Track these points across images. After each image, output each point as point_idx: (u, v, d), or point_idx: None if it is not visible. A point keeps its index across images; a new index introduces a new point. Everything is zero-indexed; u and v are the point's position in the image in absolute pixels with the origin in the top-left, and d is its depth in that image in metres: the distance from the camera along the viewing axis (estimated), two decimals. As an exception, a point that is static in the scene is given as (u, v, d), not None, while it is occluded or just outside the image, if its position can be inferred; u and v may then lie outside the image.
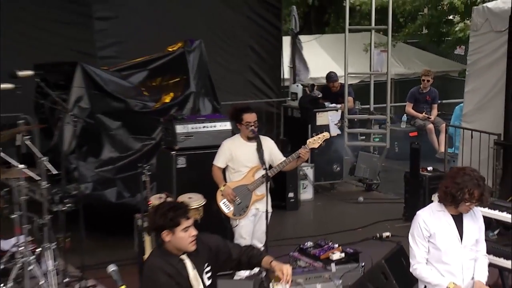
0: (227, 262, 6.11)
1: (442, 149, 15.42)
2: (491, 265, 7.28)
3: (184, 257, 5.87)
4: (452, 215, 6.54)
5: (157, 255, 5.95)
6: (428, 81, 16.70)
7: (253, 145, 9.49)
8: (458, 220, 6.56)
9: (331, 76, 16.19)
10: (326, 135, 9.77)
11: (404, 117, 17.05)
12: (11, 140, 9.03)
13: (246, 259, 6.14)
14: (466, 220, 6.58)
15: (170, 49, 12.45)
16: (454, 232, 6.58)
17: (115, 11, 14.33)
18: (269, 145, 9.68)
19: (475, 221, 6.66)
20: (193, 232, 5.86)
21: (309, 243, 10.25)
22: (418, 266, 6.59)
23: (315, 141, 9.56)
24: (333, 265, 9.63)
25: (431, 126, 16.23)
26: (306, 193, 14.08)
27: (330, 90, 16.10)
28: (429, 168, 13.16)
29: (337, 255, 9.81)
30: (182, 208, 6.01)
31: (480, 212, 6.80)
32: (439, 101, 16.86)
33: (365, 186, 14.70)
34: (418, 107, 16.69)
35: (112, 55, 14.00)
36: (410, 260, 6.72)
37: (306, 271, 9.62)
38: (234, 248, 6.24)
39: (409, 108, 16.87)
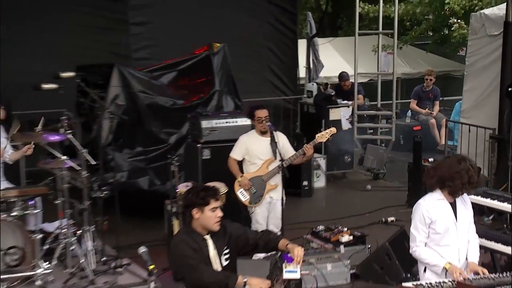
0: (245, 247, 6.13)
1: (443, 142, 15.42)
2: (483, 247, 7.31)
3: (207, 237, 5.90)
4: (449, 202, 6.53)
5: (184, 232, 6.00)
6: (431, 80, 16.61)
7: (267, 139, 9.46)
8: (453, 207, 6.54)
9: (343, 76, 16.16)
10: (333, 130, 9.73)
11: (409, 113, 16.97)
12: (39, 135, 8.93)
13: (263, 243, 6.15)
14: (459, 206, 6.57)
15: (197, 52, 12.40)
16: (452, 218, 6.55)
17: (149, 17, 14.36)
18: (281, 140, 9.64)
19: (466, 206, 6.66)
20: (219, 213, 5.89)
21: (321, 227, 10.32)
22: (417, 249, 6.56)
23: (323, 136, 9.54)
24: (342, 247, 9.70)
25: (433, 121, 16.14)
26: (319, 182, 13.99)
27: (342, 88, 16.06)
28: (430, 160, 13.08)
29: (346, 238, 9.88)
30: (212, 190, 6.05)
31: (468, 198, 6.78)
32: (440, 98, 16.76)
33: (373, 175, 14.64)
34: (422, 104, 16.60)
35: (146, 57, 14.02)
36: (410, 243, 6.69)
37: (318, 252, 9.70)
38: (252, 234, 6.26)
39: (413, 104, 16.79)
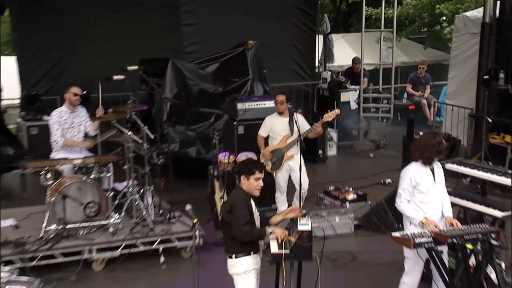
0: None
1: (432, 118, 15.50)
2: (457, 205, 7.30)
3: (251, 198, 6.00)
4: (430, 168, 6.63)
5: (238, 191, 6.01)
6: (423, 68, 16.59)
7: (286, 119, 9.45)
8: (432, 172, 6.65)
9: (355, 60, 16.04)
10: (337, 111, 9.80)
11: (405, 95, 16.89)
12: (123, 113, 9.11)
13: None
14: (436, 172, 6.67)
15: (235, 48, 12.52)
16: (431, 181, 6.65)
17: (198, 19, 14.52)
18: (299, 119, 9.54)
19: (440, 171, 6.74)
20: (261, 183, 5.96)
21: (332, 187, 10.56)
22: (401, 204, 6.67)
23: (329, 116, 9.61)
24: (347, 203, 9.96)
25: (424, 101, 16.09)
26: (332, 151, 14.08)
27: (353, 70, 16.02)
28: (420, 133, 13.08)
29: (351, 196, 10.12)
30: (259, 164, 6.19)
31: (440, 164, 6.83)
32: (431, 83, 16.67)
33: (375, 145, 14.69)
34: (416, 87, 16.56)
35: (194, 51, 14.11)
36: (396, 199, 6.79)
37: (328, 207, 9.93)
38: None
39: (408, 88, 16.75)
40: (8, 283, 5.53)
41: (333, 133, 14.17)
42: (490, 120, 11.23)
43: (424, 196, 6.63)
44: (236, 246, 5.91)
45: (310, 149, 12.72)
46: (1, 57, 20.26)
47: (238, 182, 6.09)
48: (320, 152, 13.47)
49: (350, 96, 14.71)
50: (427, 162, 6.61)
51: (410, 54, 21.58)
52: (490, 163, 11.02)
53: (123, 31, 13.85)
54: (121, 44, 13.65)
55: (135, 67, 9.84)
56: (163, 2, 14.38)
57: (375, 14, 17.86)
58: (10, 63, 15.13)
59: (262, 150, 9.66)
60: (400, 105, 16.53)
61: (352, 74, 16.21)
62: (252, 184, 5.94)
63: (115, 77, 9.63)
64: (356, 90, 15.15)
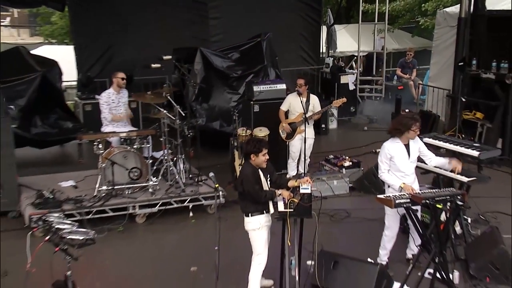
0: (272, 180, 6.18)
1: (417, 97, 15.30)
2: (431, 171, 7.41)
3: (259, 170, 6.01)
4: (404, 144, 6.66)
5: (248, 166, 6.02)
6: (411, 54, 16.44)
7: (304, 99, 9.34)
8: (407, 146, 6.66)
9: None
10: (344, 100, 9.76)
11: (395, 77, 16.82)
12: (160, 95, 9.11)
13: (280, 182, 6.22)
14: (412, 147, 6.69)
15: (252, 39, 12.43)
16: (405, 155, 6.65)
17: (222, 14, 14.52)
18: (314, 100, 9.57)
19: (416, 145, 6.74)
20: (267, 157, 5.97)
21: (331, 156, 10.58)
22: (383, 174, 6.73)
23: (337, 102, 9.61)
24: (344, 169, 10.00)
25: (411, 83, 15.99)
26: (333, 124, 14.13)
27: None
28: (406, 110, 13.25)
29: (347, 163, 10.18)
30: (264, 142, 6.14)
31: (418, 138, 6.83)
32: (417, 67, 16.53)
33: (369, 120, 14.65)
34: (404, 71, 16.44)
35: (219, 40, 14.08)
36: (378, 171, 6.84)
37: (328, 172, 10.00)
38: (275, 176, 6.25)
39: (398, 71, 16.65)
40: (70, 233, 5.68)
41: (334, 110, 14.09)
42: (463, 100, 11.35)
43: (398, 168, 6.65)
44: (251, 207, 5.98)
45: (315, 123, 12.61)
46: (61, 46, 20.56)
47: (248, 160, 6.08)
48: (323, 126, 13.45)
49: (348, 78, 14.70)
50: (399, 137, 6.62)
51: (401, 41, 21.32)
52: (463, 135, 11.29)
53: (160, 23, 13.85)
54: (158, 34, 13.63)
55: (169, 57, 9.73)
56: None
57: (371, 9, 17.70)
58: (68, 51, 15.37)
59: (282, 121, 9.61)
60: (391, 85, 16.48)
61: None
62: (261, 159, 5.96)
63: (153, 65, 9.65)
64: (353, 74, 15.10)
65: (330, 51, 16.34)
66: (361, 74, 16.49)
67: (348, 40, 19.17)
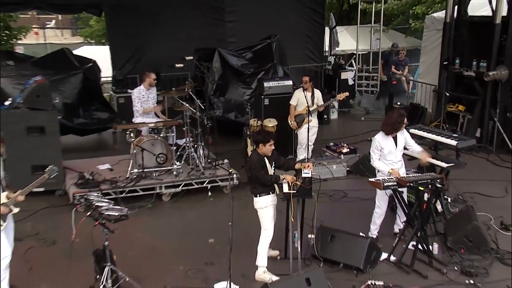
0: (279, 166, 6.23)
1: (408, 90, 15.20)
2: (416, 158, 7.34)
3: (265, 158, 6.06)
4: (392, 137, 6.68)
5: (255, 154, 6.07)
6: (403, 53, 15.94)
7: (309, 94, 9.25)
8: (395, 138, 6.69)
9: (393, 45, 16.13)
10: (346, 94, 9.68)
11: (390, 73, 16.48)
12: (183, 91, 9.16)
13: (287, 165, 6.29)
14: (398, 137, 6.71)
15: (263, 40, 12.34)
16: (393, 146, 6.70)
17: (237, 17, 14.17)
18: (318, 94, 9.47)
19: (402, 136, 6.74)
20: (273, 147, 6.01)
21: (332, 143, 10.53)
22: (374, 162, 6.76)
23: (340, 96, 9.50)
24: (342, 155, 9.96)
25: (404, 78, 15.70)
26: (334, 115, 14.00)
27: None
28: (398, 103, 13.25)
29: (345, 150, 10.14)
30: (272, 134, 6.21)
31: (405, 130, 6.84)
32: (409, 64, 16.17)
33: (366, 111, 14.51)
34: (398, 68, 15.90)
35: (235, 41, 13.76)
36: (371, 159, 6.85)
37: (329, 158, 9.99)
38: (282, 160, 6.30)
39: (392, 68, 16.02)
40: (107, 210, 5.66)
41: (335, 102, 13.57)
42: (447, 94, 11.39)
43: (386, 156, 6.70)
44: (259, 188, 6.03)
45: (318, 114, 12.30)
46: (98, 46, 20.59)
47: (256, 149, 6.10)
48: (325, 116, 13.33)
49: (348, 75, 14.49)
50: (389, 133, 6.68)
51: (395, 41, 21.08)
52: (447, 125, 11.31)
53: (183, 26, 13.62)
54: (181, 35, 13.41)
55: (191, 57, 9.75)
56: (212, 4, 14.01)
57: (369, 8, 17.43)
58: (105, 51, 15.35)
59: (291, 114, 9.51)
60: (386, 81, 16.10)
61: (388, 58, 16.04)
62: (268, 148, 6.00)
63: (177, 65, 9.74)
64: (352, 71, 14.96)
65: (332, 50, 16.16)
66: (359, 71, 16.37)
67: (348, 40, 18.87)
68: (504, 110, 10.69)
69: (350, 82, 14.60)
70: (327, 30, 16.78)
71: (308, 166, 6.05)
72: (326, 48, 16.83)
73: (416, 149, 6.93)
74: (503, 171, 9.62)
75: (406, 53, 16.58)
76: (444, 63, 11.51)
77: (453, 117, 11.38)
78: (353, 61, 16.69)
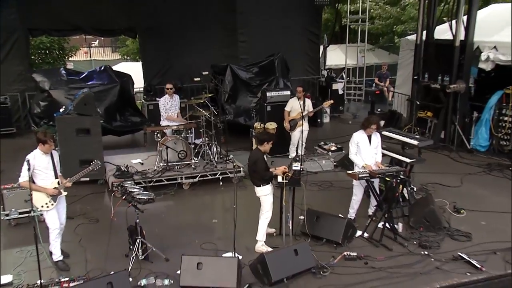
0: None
1: (390, 99, 15.17)
2: (389, 156, 7.49)
3: (264, 155, 6.11)
4: (367, 135, 6.74)
5: (258, 151, 6.06)
6: (385, 67, 16.23)
7: (301, 102, 9.21)
8: (369, 137, 6.76)
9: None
10: (331, 101, 9.73)
11: (374, 84, 16.62)
12: (200, 99, 9.05)
13: None
14: (372, 137, 6.77)
15: (267, 57, 12.30)
16: (367, 142, 6.62)
17: (248, 38, 14.02)
18: (308, 102, 9.41)
19: (376, 138, 6.80)
20: (271, 145, 6.06)
21: (322, 143, 10.66)
22: (351, 155, 6.83)
23: (326, 103, 9.65)
24: (330, 152, 10.08)
25: (385, 89, 15.90)
26: (326, 119, 13.85)
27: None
28: (378, 110, 13.41)
29: (333, 148, 10.32)
30: (273, 135, 6.29)
31: (379, 135, 6.87)
32: (390, 77, 16.09)
33: (353, 116, 14.30)
34: (380, 80, 16.21)
35: (246, 58, 13.63)
36: (348, 152, 6.90)
37: (319, 154, 10.03)
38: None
39: (376, 80, 16.42)
40: (138, 194, 5.90)
41: (327, 108, 13.78)
42: (418, 103, 11.38)
43: (362, 151, 6.76)
44: (261, 180, 6.09)
45: (313, 118, 12.07)
46: (133, 62, 20.73)
47: (258, 146, 6.09)
48: (319, 120, 13.31)
49: (338, 86, 14.45)
50: (364, 131, 6.78)
51: (380, 57, 20.79)
52: (418, 128, 11.27)
53: (202, 45, 13.48)
54: (200, 53, 13.25)
55: (207, 72, 9.78)
56: (227, 27, 13.87)
57: (356, 27, 17.32)
58: (138, 66, 15.55)
59: (286, 119, 9.46)
60: (370, 90, 16.30)
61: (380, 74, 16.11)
62: (268, 146, 6.06)
63: (195, 79, 9.85)
64: (342, 82, 14.92)
65: (326, 65, 16.10)
66: (348, 82, 16.36)
67: (340, 56, 18.69)
68: (463, 116, 10.71)
69: (340, 92, 14.53)
70: (321, 48, 16.93)
71: (284, 170, 6.07)
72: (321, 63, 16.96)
73: (377, 156, 6.87)
74: (461, 166, 9.66)
75: (388, 67, 16.67)
76: (415, 77, 11.53)
77: (423, 122, 11.37)
78: (343, 73, 16.76)
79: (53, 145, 5.70)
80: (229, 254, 5.91)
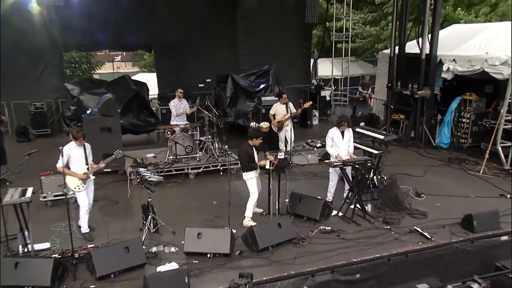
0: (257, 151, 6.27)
1: (371, 105, 15.16)
2: (360, 148, 7.54)
3: (253, 148, 6.24)
4: (341, 131, 6.91)
5: (246, 145, 6.21)
6: (368, 77, 16.38)
7: (284, 105, 9.26)
8: (342, 133, 6.90)
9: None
10: (310, 103, 9.78)
11: (357, 92, 16.71)
12: (204, 102, 9.11)
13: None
14: (345, 133, 6.92)
15: (264, 68, 12.43)
16: (340, 136, 6.77)
17: (248, 51, 14.03)
18: (290, 105, 9.36)
19: (348, 133, 6.93)
20: (261, 141, 6.21)
21: (310, 140, 10.84)
22: (327, 148, 7.03)
23: (306, 104, 9.69)
24: (315, 148, 10.25)
25: (368, 96, 16.05)
26: (315, 121, 13.79)
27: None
28: (359, 113, 13.46)
29: (318, 145, 10.48)
30: (261, 132, 6.38)
31: (350, 129, 6.94)
32: (372, 86, 15.86)
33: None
34: (364, 88, 16.26)
35: (246, 68, 13.47)
36: (326, 145, 6.98)
37: (306, 150, 10.22)
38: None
39: (360, 88, 16.53)
40: (150, 177, 6.23)
41: (316, 112, 14.07)
42: (392, 107, 11.52)
43: (337, 144, 6.91)
44: (246, 167, 6.32)
45: (304, 120, 12.67)
46: (149, 73, 20.99)
47: (248, 140, 6.21)
48: (309, 122, 13.31)
49: (326, 93, 14.55)
50: (339, 127, 6.94)
51: (365, 69, 20.82)
52: (392, 128, 11.35)
53: (208, 58, 13.46)
54: (207, 64, 13.19)
55: (210, 80, 9.87)
56: (230, 41, 13.83)
57: (341, 44, 17.58)
58: (153, 77, 15.77)
59: (272, 121, 9.53)
60: (355, 97, 16.26)
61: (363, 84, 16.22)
62: (258, 141, 6.24)
63: (200, 85, 9.95)
64: (329, 90, 15.07)
65: (316, 75, 16.20)
66: (335, 90, 16.50)
67: (329, 67, 18.95)
68: (429, 118, 10.86)
69: (328, 98, 14.69)
70: (312, 61, 17.25)
71: (271, 158, 6.31)
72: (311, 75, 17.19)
73: (349, 148, 6.99)
74: (426, 160, 9.81)
75: (370, 77, 17.02)
76: (389, 85, 11.72)
77: (397, 123, 11.49)
78: (331, 83, 17.00)
79: (83, 140, 6.10)
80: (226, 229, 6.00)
